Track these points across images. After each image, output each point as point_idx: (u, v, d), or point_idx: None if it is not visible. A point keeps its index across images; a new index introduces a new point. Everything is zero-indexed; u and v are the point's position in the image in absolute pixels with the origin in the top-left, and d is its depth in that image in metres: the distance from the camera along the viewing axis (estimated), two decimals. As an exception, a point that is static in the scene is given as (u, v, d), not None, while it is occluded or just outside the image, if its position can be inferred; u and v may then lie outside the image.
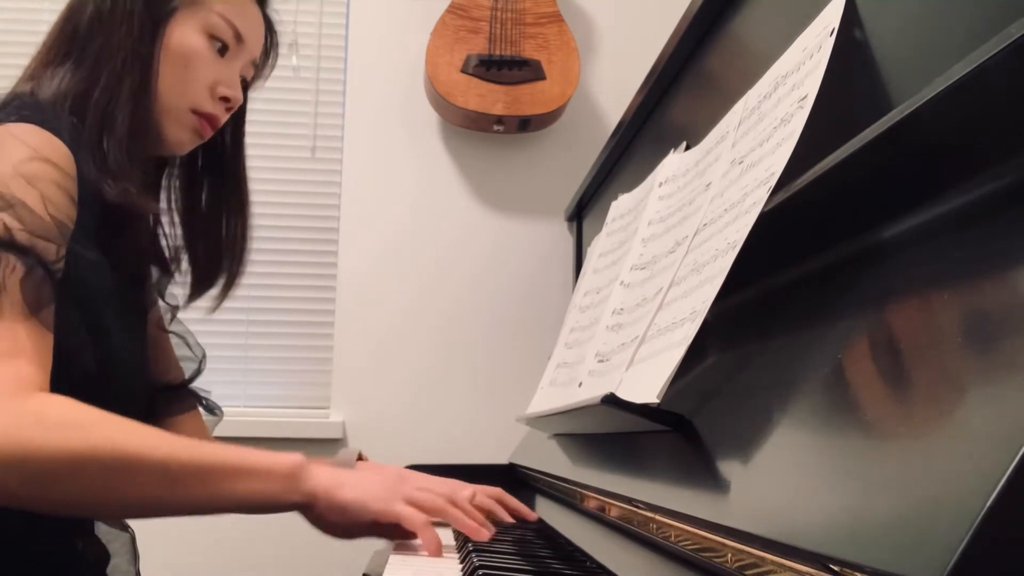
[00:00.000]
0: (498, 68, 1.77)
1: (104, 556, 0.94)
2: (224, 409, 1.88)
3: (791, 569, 0.41)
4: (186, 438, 0.76)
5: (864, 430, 0.43)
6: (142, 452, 0.71)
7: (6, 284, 0.71)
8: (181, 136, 0.93)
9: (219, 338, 1.87)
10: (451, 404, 1.86)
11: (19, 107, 0.81)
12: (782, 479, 0.47)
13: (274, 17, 1.04)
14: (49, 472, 0.68)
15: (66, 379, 0.75)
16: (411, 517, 0.80)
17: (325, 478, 0.79)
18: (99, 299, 0.83)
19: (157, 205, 0.99)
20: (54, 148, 0.78)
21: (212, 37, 0.92)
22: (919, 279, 0.49)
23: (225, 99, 0.95)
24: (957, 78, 0.44)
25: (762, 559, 0.44)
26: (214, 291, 1.03)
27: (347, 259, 1.90)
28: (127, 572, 1.00)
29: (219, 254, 1.02)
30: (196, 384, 1.10)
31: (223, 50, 0.94)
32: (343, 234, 1.90)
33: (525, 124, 1.81)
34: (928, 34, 0.56)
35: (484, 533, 0.84)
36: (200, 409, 1.10)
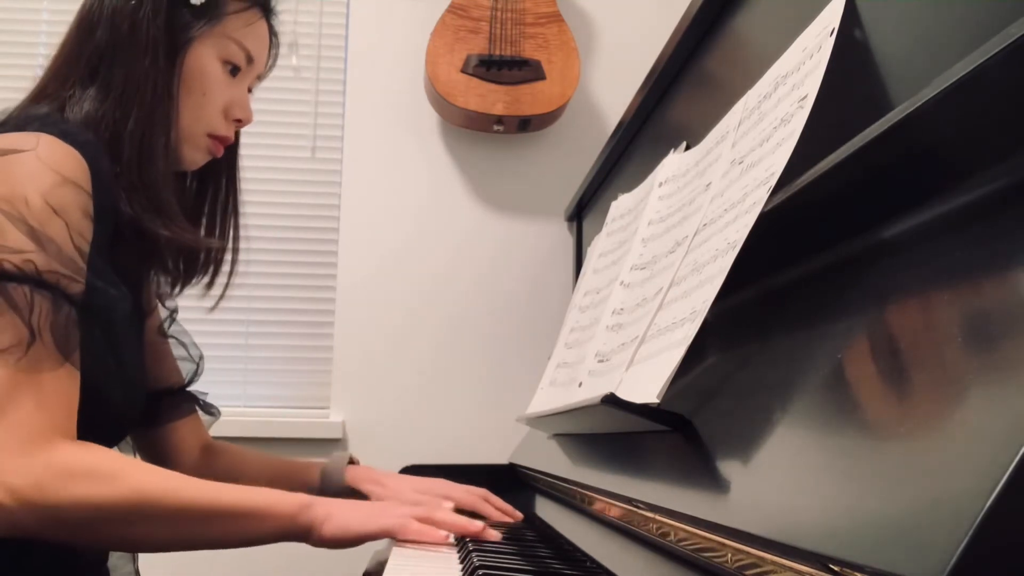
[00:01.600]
0: (498, 68, 1.77)
1: (103, 552, 0.94)
2: (224, 409, 1.88)
3: (791, 569, 0.41)
4: (200, 481, 0.81)
5: (864, 430, 0.43)
6: (159, 499, 0.76)
7: (40, 330, 0.73)
8: (196, 157, 0.95)
9: (219, 338, 1.87)
10: (451, 404, 1.86)
11: (43, 121, 0.82)
12: (782, 479, 0.47)
13: (276, 26, 1.05)
14: (77, 520, 0.73)
15: (85, 405, 0.77)
16: (398, 527, 0.84)
17: (318, 516, 0.84)
18: (119, 328, 0.85)
19: (214, 239, 1.01)
20: (75, 164, 0.79)
21: (226, 62, 0.94)
22: (919, 279, 0.49)
23: (237, 120, 0.97)
24: (957, 78, 0.44)
25: (762, 559, 0.44)
26: (214, 291, 1.04)
27: (347, 259, 1.90)
28: (127, 572, 1.00)
29: (216, 255, 1.03)
30: (194, 386, 1.11)
31: (234, 72, 0.96)
32: (343, 234, 1.90)
33: (525, 124, 1.82)
34: (928, 34, 0.56)
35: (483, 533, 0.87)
36: (199, 411, 1.11)
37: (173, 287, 1.02)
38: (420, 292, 1.89)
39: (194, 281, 1.02)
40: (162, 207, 0.87)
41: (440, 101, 1.80)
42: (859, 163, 0.54)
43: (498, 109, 1.76)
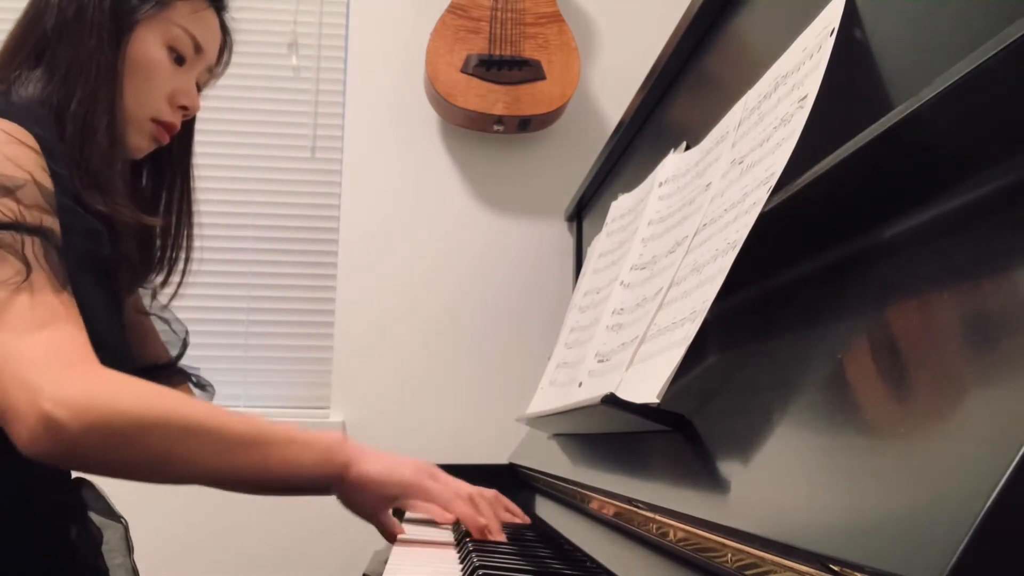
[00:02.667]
0: (498, 68, 1.77)
1: (97, 538, 0.94)
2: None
3: (791, 569, 0.41)
4: (236, 412, 0.81)
5: (864, 430, 0.43)
6: (203, 419, 0.77)
7: (37, 261, 0.74)
8: (141, 143, 0.96)
9: (219, 338, 1.88)
10: (451, 404, 1.86)
11: None
12: (782, 479, 0.47)
13: (230, 24, 1.05)
14: (127, 433, 0.72)
15: None
16: (440, 492, 0.88)
17: (357, 451, 0.86)
18: (101, 268, 0.86)
19: (156, 218, 1.00)
20: (21, 132, 0.80)
21: (172, 49, 0.95)
22: (919, 279, 0.49)
23: (183, 107, 0.97)
24: (957, 78, 0.44)
25: (762, 559, 0.44)
26: (168, 289, 1.05)
27: (347, 259, 1.90)
28: (122, 564, 0.99)
29: (172, 252, 1.03)
30: (186, 363, 1.11)
31: (180, 60, 0.96)
32: (343, 234, 1.90)
33: (525, 124, 1.81)
34: (928, 34, 0.56)
35: (494, 533, 0.88)
36: (192, 387, 1.11)
37: (132, 281, 1.01)
38: (421, 292, 1.89)
39: (151, 277, 1.02)
40: (103, 184, 0.87)
41: (440, 101, 1.80)
42: (859, 163, 0.54)
43: (498, 109, 1.76)
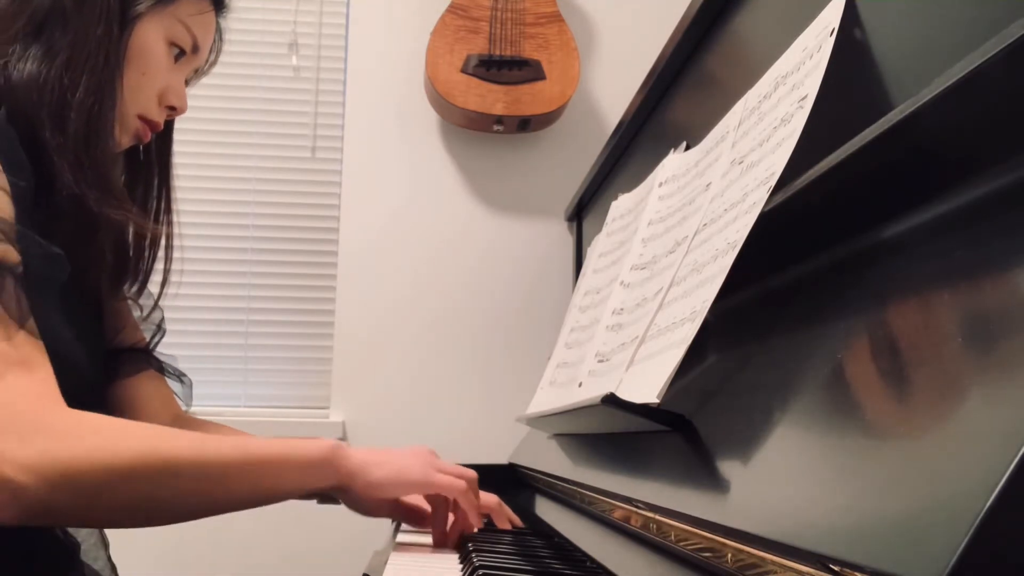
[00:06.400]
0: (498, 68, 1.77)
1: (73, 547, 0.91)
2: (224, 409, 1.88)
3: (791, 569, 0.41)
4: (220, 436, 0.77)
5: (864, 430, 0.43)
6: (182, 455, 0.72)
7: None
8: (121, 139, 0.91)
9: (219, 338, 1.88)
10: (451, 404, 1.86)
11: None
12: (782, 479, 0.47)
13: (224, 25, 1.01)
14: (99, 486, 0.67)
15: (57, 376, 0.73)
16: (451, 484, 0.87)
17: (358, 460, 0.83)
18: (64, 293, 0.81)
19: (164, 227, 0.97)
20: None
21: (172, 44, 0.91)
22: (919, 279, 0.49)
23: (171, 107, 0.94)
24: (957, 78, 0.44)
25: (762, 559, 0.44)
26: (150, 288, 1.00)
27: (347, 259, 1.90)
28: (96, 558, 0.97)
29: (149, 254, 0.98)
30: (164, 355, 1.06)
31: (177, 57, 0.92)
32: (343, 234, 1.91)
33: (525, 124, 1.82)
34: (928, 34, 0.56)
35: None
36: (167, 379, 1.06)
37: (111, 287, 0.96)
38: (421, 292, 1.89)
39: (124, 287, 0.97)
40: (111, 187, 0.83)
41: (440, 101, 1.80)
42: (859, 163, 0.54)
43: (498, 109, 1.76)
